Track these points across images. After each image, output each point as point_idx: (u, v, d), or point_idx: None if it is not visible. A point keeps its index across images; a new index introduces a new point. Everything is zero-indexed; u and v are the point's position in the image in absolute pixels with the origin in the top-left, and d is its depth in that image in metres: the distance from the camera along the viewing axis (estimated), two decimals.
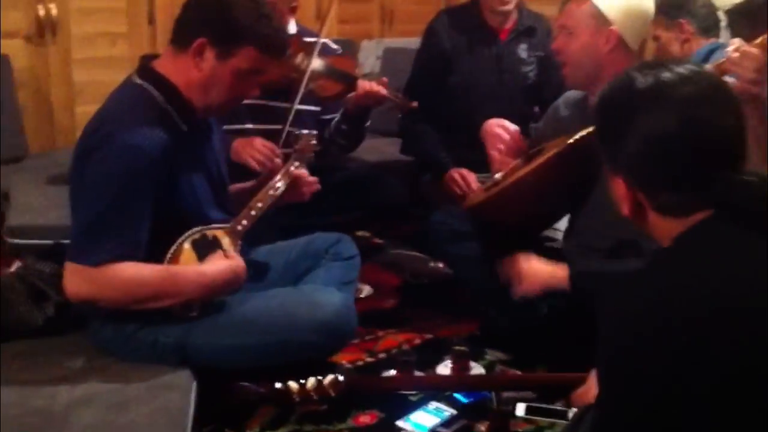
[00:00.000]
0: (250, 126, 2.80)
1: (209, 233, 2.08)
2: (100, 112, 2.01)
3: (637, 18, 2.32)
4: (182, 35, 2.01)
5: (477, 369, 2.28)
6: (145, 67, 2.06)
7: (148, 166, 1.91)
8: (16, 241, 2.88)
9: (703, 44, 3.05)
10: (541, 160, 2.36)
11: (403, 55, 4.56)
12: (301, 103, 2.82)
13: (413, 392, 2.16)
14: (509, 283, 2.25)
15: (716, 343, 1.08)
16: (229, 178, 2.30)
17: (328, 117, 2.97)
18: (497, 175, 2.54)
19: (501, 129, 2.60)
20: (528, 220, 2.48)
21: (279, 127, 2.80)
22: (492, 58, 3.14)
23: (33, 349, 2.03)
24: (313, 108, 2.91)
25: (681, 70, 1.24)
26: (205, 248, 2.05)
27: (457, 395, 2.16)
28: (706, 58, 3.01)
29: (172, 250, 2.00)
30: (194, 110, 2.05)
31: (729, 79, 1.89)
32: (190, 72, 2.00)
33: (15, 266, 2.30)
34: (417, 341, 2.52)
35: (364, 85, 2.81)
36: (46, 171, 3.42)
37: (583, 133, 2.24)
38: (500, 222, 2.45)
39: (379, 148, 3.82)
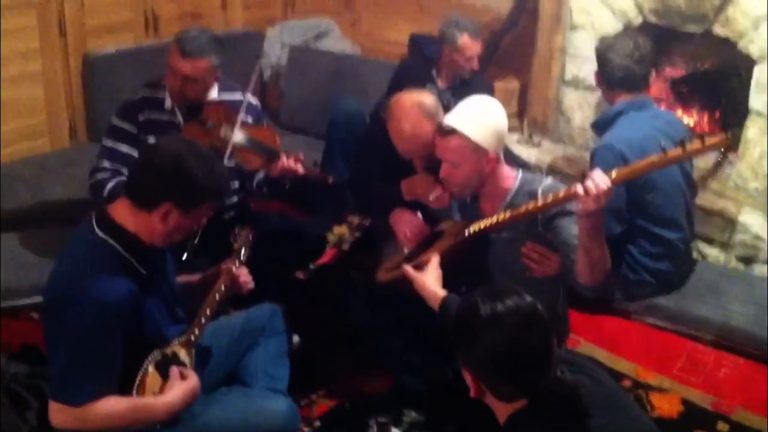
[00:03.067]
0: None
1: (168, 351, 2.39)
2: (69, 267, 2.24)
3: (502, 136, 2.72)
4: (144, 198, 2.24)
5: None
6: (104, 218, 2.27)
7: (118, 318, 2.19)
8: None
9: (618, 98, 3.40)
10: (441, 245, 2.77)
11: (308, 55, 4.80)
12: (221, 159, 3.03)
13: None
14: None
15: None
16: None
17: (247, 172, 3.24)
18: (405, 250, 2.96)
19: (408, 217, 2.99)
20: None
21: None
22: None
23: None
24: (232, 163, 3.16)
25: (510, 302, 1.81)
26: (166, 366, 2.36)
27: None
28: (614, 117, 3.39)
29: (139, 377, 2.30)
30: (154, 254, 2.32)
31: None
32: (154, 225, 2.25)
33: None
34: (346, 405, 2.94)
35: (283, 161, 3.07)
36: None
37: (476, 227, 2.69)
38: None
39: None
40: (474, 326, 1.80)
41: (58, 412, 2.22)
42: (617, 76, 3.38)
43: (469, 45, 4.03)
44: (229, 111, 3.16)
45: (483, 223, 2.69)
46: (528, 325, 1.79)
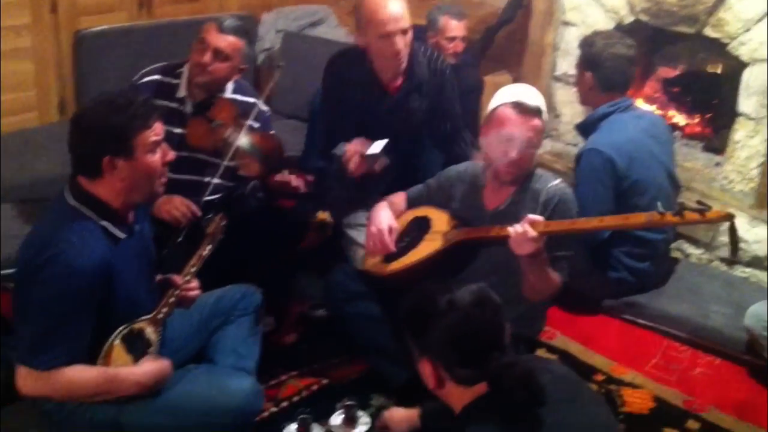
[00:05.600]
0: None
1: (135, 326, 2.39)
2: (41, 233, 2.27)
3: None
4: (87, 167, 2.28)
5: (364, 419, 2.74)
6: (75, 187, 2.30)
7: (90, 284, 2.21)
8: None
9: (603, 100, 3.37)
10: (428, 250, 2.77)
11: (302, 41, 4.81)
12: (222, 159, 3.05)
13: None
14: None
15: None
16: None
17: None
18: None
19: (386, 229, 2.86)
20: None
21: (199, 178, 3.10)
22: (383, 113, 3.26)
23: None
24: (233, 164, 3.11)
25: (462, 287, 1.86)
26: (132, 341, 2.37)
27: None
28: (600, 119, 3.37)
29: (104, 349, 2.31)
30: (126, 218, 2.34)
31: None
32: (115, 185, 2.28)
33: None
34: (314, 387, 2.96)
35: (284, 177, 3.05)
36: None
37: (465, 237, 2.72)
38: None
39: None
40: (430, 311, 1.84)
41: (25, 377, 2.24)
42: (615, 78, 3.35)
43: (450, 26, 4.06)
44: (237, 112, 3.12)
45: (472, 234, 2.71)
46: (481, 303, 1.84)
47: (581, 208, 3.08)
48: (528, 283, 2.60)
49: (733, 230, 2.36)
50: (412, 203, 3.02)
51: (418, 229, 2.88)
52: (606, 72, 3.34)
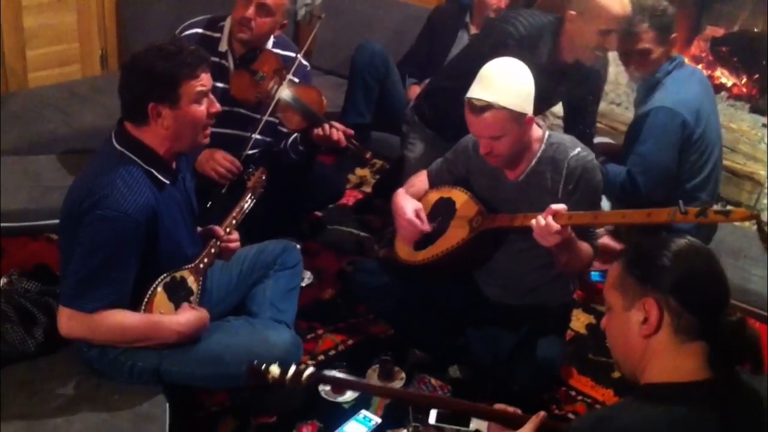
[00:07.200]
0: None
1: (177, 275, 2.42)
2: (88, 177, 2.28)
3: (532, 95, 2.58)
4: (133, 113, 2.28)
5: (400, 374, 2.77)
6: (122, 132, 2.32)
7: (134, 229, 2.23)
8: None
9: (661, 61, 3.24)
10: (456, 239, 2.74)
11: None
12: (262, 113, 3.07)
13: (347, 401, 2.67)
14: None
15: None
16: None
17: (286, 130, 3.18)
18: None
19: (414, 217, 2.79)
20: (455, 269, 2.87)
21: (240, 133, 3.11)
22: (551, 83, 3.10)
23: (28, 375, 2.36)
24: (272, 119, 3.14)
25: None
26: (174, 289, 2.40)
27: None
28: (663, 77, 3.26)
29: (148, 295, 2.33)
30: (170, 165, 2.35)
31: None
32: (159, 133, 2.28)
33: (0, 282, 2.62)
34: (351, 342, 2.99)
35: (326, 130, 3.01)
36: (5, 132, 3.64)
37: (486, 226, 2.69)
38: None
39: None
40: (659, 246, 1.67)
41: (68, 319, 2.27)
42: (672, 23, 3.25)
43: None
44: (280, 65, 3.11)
45: (496, 223, 2.67)
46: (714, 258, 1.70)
47: (645, 165, 3.06)
48: (560, 263, 2.55)
49: (761, 227, 2.30)
50: (434, 178, 2.95)
51: (444, 212, 2.83)
52: (666, 20, 3.24)
